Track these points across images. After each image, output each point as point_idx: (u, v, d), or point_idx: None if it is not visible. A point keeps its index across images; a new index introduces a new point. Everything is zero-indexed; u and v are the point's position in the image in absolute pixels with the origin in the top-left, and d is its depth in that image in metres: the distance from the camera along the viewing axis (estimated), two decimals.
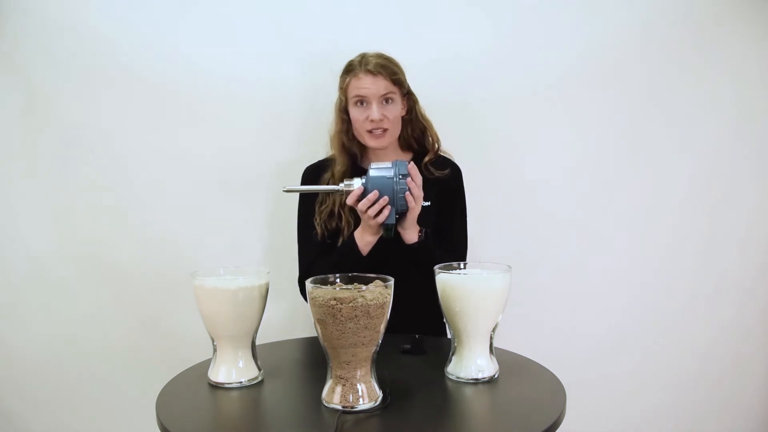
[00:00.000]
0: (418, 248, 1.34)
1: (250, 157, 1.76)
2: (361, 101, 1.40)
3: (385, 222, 1.28)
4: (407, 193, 1.26)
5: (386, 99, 1.40)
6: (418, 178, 1.28)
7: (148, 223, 1.74)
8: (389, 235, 1.31)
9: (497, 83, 1.78)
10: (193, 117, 1.73)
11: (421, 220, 1.34)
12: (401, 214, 1.29)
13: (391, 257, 1.32)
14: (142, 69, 1.69)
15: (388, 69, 1.40)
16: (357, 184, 1.27)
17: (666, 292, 1.88)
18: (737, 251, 1.88)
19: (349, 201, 1.28)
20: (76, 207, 1.73)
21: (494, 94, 1.78)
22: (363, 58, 1.42)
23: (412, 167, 1.28)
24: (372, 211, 1.26)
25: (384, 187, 1.25)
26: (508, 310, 1.09)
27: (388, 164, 1.28)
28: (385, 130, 1.41)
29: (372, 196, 1.25)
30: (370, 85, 1.38)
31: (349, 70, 1.43)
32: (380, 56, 1.42)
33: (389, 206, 1.26)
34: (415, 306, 1.31)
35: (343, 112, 1.47)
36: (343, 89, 1.44)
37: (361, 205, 1.26)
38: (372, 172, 1.27)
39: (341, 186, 1.29)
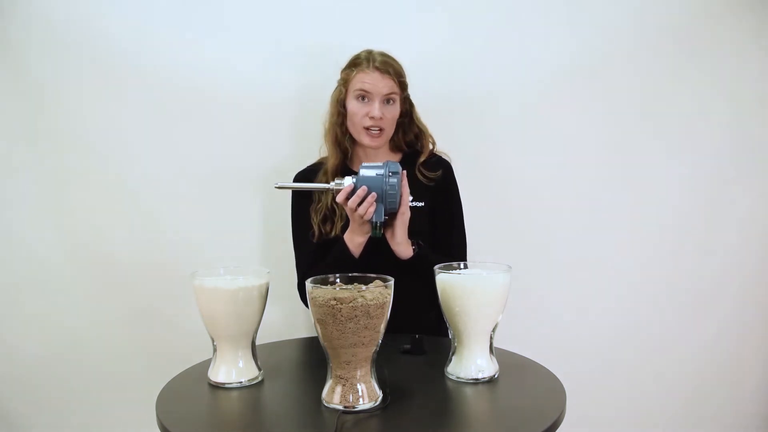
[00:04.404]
0: (416, 262, 1.34)
1: (249, 156, 1.76)
2: (364, 96, 1.40)
3: (373, 219, 1.27)
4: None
5: (388, 99, 1.41)
6: (406, 185, 1.29)
7: (148, 223, 1.74)
8: (377, 234, 1.30)
9: (491, 83, 1.79)
10: (193, 117, 1.73)
11: (414, 222, 1.34)
12: (390, 214, 1.29)
13: (387, 260, 1.31)
14: (142, 69, 1.69)
15: (395, 70, 1.41)
16: (347, 182, 1.27)
17: (666, 291, 1.89)
18: (735, 251, 1.89)
19: (339, 199, 1.27)
20: (76, 207, 1.73)
21: (488, 94, 1.79)
22: (370, 54, 1.42)
23: (404, 175, 1.28)
24: (361, 209, 1.25)
25: (373, 184, 1.25)
26: (508, 310, 1.09)
27: (379, 164, 1.29)
28: (381, 130, 1.41)
29: (361, 192, 1.24)
30: (377, 81, 1.39)
31: (356, 63, 1.42)
32: (386, 55, 1.43)
33: (378, 203, 1.26)
34: (415, 306, 1.30)
35: (341, 104, 1.45)
36: (346, 81, 1.44)
37: (351, 203, 1.25)
38: (362, 171, 1.27)
39: (332, 185, 1.28)
